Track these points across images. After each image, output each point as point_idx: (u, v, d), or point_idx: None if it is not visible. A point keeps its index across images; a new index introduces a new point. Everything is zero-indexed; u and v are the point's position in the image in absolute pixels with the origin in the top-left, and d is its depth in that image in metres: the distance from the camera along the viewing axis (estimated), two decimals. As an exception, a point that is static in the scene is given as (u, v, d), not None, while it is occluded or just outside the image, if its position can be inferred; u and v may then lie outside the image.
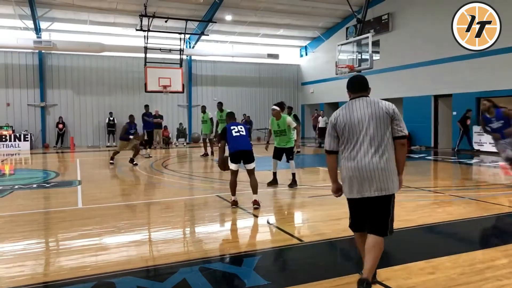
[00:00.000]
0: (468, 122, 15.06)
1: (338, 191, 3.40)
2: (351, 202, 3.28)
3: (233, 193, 6.49)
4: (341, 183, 3.34)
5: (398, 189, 3.20)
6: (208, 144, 14.77)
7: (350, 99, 3.35)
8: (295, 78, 26.17)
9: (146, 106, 17.80)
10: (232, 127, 6.68)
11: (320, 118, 19.07)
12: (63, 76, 20.85)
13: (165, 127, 20.88)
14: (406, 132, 3.20)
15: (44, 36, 19.55)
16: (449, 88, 16.12)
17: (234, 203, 6.41)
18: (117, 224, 5.55)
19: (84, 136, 21.29)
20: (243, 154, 6.52)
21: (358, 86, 3.36)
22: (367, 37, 13.42)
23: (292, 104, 25.65)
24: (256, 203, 6.27)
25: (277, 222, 5.74)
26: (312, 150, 17.70)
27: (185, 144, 21.25)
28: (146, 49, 17.60)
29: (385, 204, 3.17)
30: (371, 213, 3.20)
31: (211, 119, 14.59)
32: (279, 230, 5.19)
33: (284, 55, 24.95)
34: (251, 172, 6.54)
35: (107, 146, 20.45)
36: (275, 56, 23.74)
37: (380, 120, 3.13)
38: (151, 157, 14.85)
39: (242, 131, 6.67)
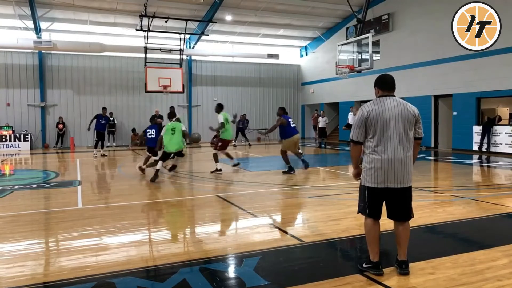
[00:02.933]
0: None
1: (358, 175, 3.71)
2: (374, 190, 3.51)
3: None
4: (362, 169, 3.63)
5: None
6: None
7: (378, 96, 3.64)
8: (295, 78, 26.17)
9: (104, 109, 15.70)
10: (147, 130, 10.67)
11: (320, 118, 19.04)
12: (63, 76, 20.86)
13: (165, 127, 20.85)
14: (423, 134, 3.66)
15: (44, 36, 19.56)
16: (449, 88, 16.12)
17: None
18: (117, 224, 5.55)
19: (84, 136, 21.25)
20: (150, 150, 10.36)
21: (389, 85, 3.67)
22: (367, 37, 13.41)
23: (292, 104, 25.78)
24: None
25: (277, 222, 5.73)
26: (313, 150, 17.69)
27: (185, 144, 21.20)
28: (146, 49, 17.60)
29: (408, 194, 3.54)
30: (394, 203, 3.54)
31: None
32: (279, 230, 5.19)
33: (284, 55, 24.96)
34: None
35: (107, 146, 20.43)
36: (275, 56, 23.73)
37: (407, 120, 3.49)
38: (105, 155, 15.40)
39: (152, 134, 10.55)
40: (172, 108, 14.35)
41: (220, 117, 10.60)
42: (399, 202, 3.52)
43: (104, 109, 15.63)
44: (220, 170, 10.37)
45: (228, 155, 11.23)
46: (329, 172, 10.59)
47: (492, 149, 14.63)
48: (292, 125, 10.28)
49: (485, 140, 14.75)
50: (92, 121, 14.94)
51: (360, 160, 3.76)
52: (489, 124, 14.85)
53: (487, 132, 14.72)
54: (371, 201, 3.53)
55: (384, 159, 3.42)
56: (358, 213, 3.73)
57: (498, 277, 3.52)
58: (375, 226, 3.58)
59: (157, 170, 9.17)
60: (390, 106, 3.49)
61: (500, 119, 15.74)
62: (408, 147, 3.48)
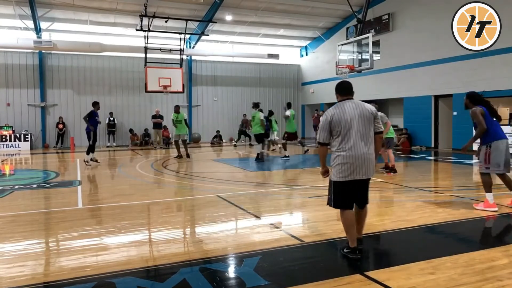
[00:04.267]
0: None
1: (326, 173, 4.24)
2: (343, 184, 3.98)
3: None
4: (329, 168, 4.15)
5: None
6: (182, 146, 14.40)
7: (339, 101, 4.11)
8: (295, 78, 26.17)
9: (96, 104, 13.17)
10: None
11: (321, 118, 19.07)
12: (63, 76, 20.86)
13: (165, 127, 20.89)
14: (382, 128, 4.11)
15: (44, 36, 19.56)
16: (449, 88, 16.11)
17: None
18: (117, 224, 5.56)
19: (84, 136, 21.19)
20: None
21: (347, 90, 4.09)
22: (368, 37, 13.41)
23: (292, 104, 25.69)
24: None
25: (278, 222, 5.73)
26: (313, 150, 17.68)
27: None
28: (146, 49, 17.60)
29: (368, 184, 4.13)
30: (359, 192, 4.06)
31: (185, 120, 14.23)
32: (279, 230, 5.19)
33: (284, 55, 24.95)
34: None
35: (107, 146, 20.44)
36: (275, 56, 23.73)
37: (366, 118, 3.94)
38: (98, 162, 13.03)
39: None
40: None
41: (288, 112, 13.24)
42: (362, 191, 4.09)
43: (96, 103, 13.02)
44: (288, 156, 13.17)
45: (285, 146, 13.51)
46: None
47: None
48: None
49: None
50: (88, 118, 12.50)
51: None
52: None
53: None
54: (341, 194, 4.00)
55: (349, 155, 3.88)
56: (326, 205, 4.21)
57: (498, 277, 3.52)
58: (351, 216, 4.02)
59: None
60: (349, 108, 3.94)
61: (500, 119, 15.72)
62: (370, 142, 3.94)
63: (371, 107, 3.97)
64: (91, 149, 12.61)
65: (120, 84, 21.78)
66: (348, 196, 4.01)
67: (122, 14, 19.08)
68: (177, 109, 14.46)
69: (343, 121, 3.90)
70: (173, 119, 14.28)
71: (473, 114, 6.00)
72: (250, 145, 20.30)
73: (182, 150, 14.36)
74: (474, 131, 6.28)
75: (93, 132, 12.37)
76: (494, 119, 6.14)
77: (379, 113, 7.10)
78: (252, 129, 13.22)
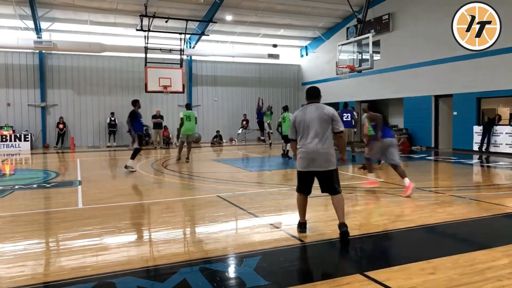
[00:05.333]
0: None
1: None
2: (301, 173, 4.77)
3: None
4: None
5: (335, 166, 4.66)
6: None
7: (305, 104, 4.81)
8: (296, 78, 26.16)
9: (137, 101, 11.74)
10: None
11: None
12: (63, 76, 20.87)
13: (165, 127, 20.89)
14: (342, 129, 4.68)
15: (45, 36, 19.56)
16: (450, 88, 16.12)
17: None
18: (117, 224, 5.56)
19: (85, 136, 21.30)
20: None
21: (310, 95, 4.80)
22: (368, 37, 13.41)
23: (292, 105, 25.73)
24: None
25: (278, 222, 5.74)
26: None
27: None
28: (146, 49, 17.59)
29: (328, 176, 4.65)
30: (322, 182, 4.75)
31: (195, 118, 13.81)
32: (279, 230, 5.20)
33: (284, 55, 24.94)
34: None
35: (108, 146, 20.45)
36: (276, 56, 23.72)
37: (324, 120, 4.57)
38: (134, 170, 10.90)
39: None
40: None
41: (285, 114, 13.57)
42: (325, 181, 4.70)
43: (137, 102, 11.43)
44: (290, 157, 13.34)
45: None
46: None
47: (492, 149, 14.62)
48: None
49: (485, 140, 14.75)
50: (132, 120, 10.98)
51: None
52: (489, 124, 14.85)
53: (487, 132, 14.71)
54: (300, 181, 4.83)
55: (305, 150, 4.61)
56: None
57: (498, 277, 3.51)
58: (303, 200, 4.89)
59: None
60: (310, 111, 4.64)
61: (500, 118, 15.72)
62: (324, 140, 4.55)
63: (329, 110, 4.60)
64: (136, 153, 10.95)
65: (120, 84, 21.78)
66: (304, 183, 4.78)
67: (122, 14, 19.08)
68: (188, 106, 14.26)
69: (303, 122, 4.62)
70: (182, 117, 13.35)
71: (375, 117, 7.73)
72: (263, 141, 20.61)
73: (183, 151, 13.58)
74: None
75: (138, 135, 10.77)
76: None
77: (364, 114, 8.63)
78: (282, 129, 13.97)
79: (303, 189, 4.86)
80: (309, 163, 4.60)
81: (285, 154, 13.86)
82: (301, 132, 4.67)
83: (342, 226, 4.58)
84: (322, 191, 4.83)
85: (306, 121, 4.61)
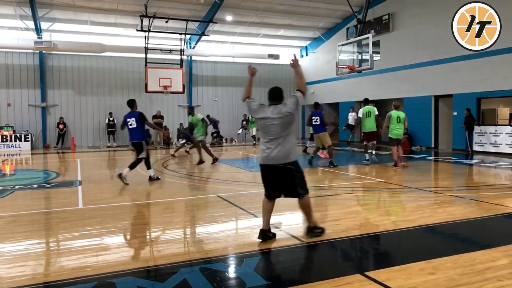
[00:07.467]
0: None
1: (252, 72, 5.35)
2: (261, 167, 4.76)
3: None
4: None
5: (295, 159, 4.67)
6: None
7: (268, 105, 4.89)
8: (296, 78, 26.12)
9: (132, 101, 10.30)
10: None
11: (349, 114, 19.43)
12: (63, 76, 20.88)
13: (166, 127, 20.90)
14: (292, 106, 4.74)
15: (45, 36, 19.57)
16: (450, 88, 16.12)
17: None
18: (117, 224, 5.56)
19: (85, 136, 21.31)
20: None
21: (271, 97, 4.91)
22: (368, 38, 13.41)
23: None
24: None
25: (277, 222, 5.74)
26: (313, 150, 17.67)
27: (185, 145, 21.24)
28: (146, 50, 17.59)
29: (289, 175, 4.58)
30: (280, 183, 4.69)
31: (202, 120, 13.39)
32: (279, 230, 5.20)
33: (284, 56, 24.92)
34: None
35: (108, 147, 20.46)
36: (276, 57, 23.72)
37: (281, 119, 4.65)
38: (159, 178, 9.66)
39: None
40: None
41: (360, 111, 12.15)
42: (283, 181, 4.63)
43: (134, 101, 10.16)
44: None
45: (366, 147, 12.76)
46: (329, 172, 10.59)
47: (492, 150, 14.61)
48: None
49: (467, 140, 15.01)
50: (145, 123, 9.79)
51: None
52: (468, 122, 14.92)
53: (467, 130, 14.92)
54: (263, 180, 4.78)
55: (264, 147, 4.71)
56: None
57: (498, 277, 3.52)
58: (264, 203, 4.75)
59: None
60: (270, 111, 4.76)
61: (483, 117, 15.97)
62: (281, 137, 4.61)
63: (286, 109, 4.71)
64: (141, 162, 9.33)
65: (121, 84, 21.79)
66: (268, 184, 4.74)
67: (123, 15, 19.09)
68: (190, 110, 13.78)
69: (263, 120, 4.77)
70: (204, 118, 13.38)
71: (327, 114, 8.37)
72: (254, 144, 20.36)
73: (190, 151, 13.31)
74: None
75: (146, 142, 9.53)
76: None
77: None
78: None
79: (267, 191, 4.86)
80: (266, 158, 4.74)
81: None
82: (262, 130, 4.89)
83: (308, 229, 4.81)
84: (285, 195, 4.81)
85: (266, 119, 4.81)
